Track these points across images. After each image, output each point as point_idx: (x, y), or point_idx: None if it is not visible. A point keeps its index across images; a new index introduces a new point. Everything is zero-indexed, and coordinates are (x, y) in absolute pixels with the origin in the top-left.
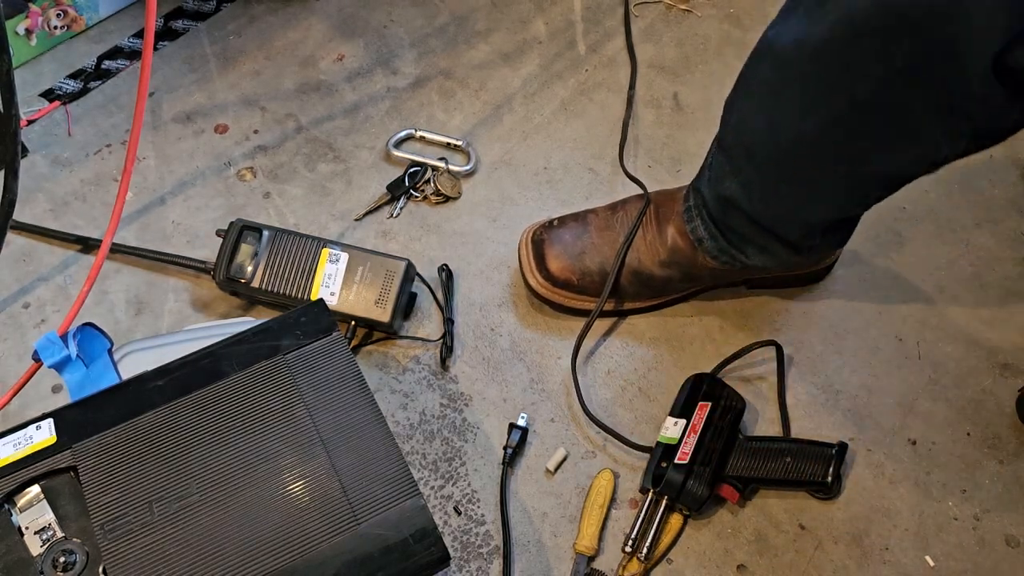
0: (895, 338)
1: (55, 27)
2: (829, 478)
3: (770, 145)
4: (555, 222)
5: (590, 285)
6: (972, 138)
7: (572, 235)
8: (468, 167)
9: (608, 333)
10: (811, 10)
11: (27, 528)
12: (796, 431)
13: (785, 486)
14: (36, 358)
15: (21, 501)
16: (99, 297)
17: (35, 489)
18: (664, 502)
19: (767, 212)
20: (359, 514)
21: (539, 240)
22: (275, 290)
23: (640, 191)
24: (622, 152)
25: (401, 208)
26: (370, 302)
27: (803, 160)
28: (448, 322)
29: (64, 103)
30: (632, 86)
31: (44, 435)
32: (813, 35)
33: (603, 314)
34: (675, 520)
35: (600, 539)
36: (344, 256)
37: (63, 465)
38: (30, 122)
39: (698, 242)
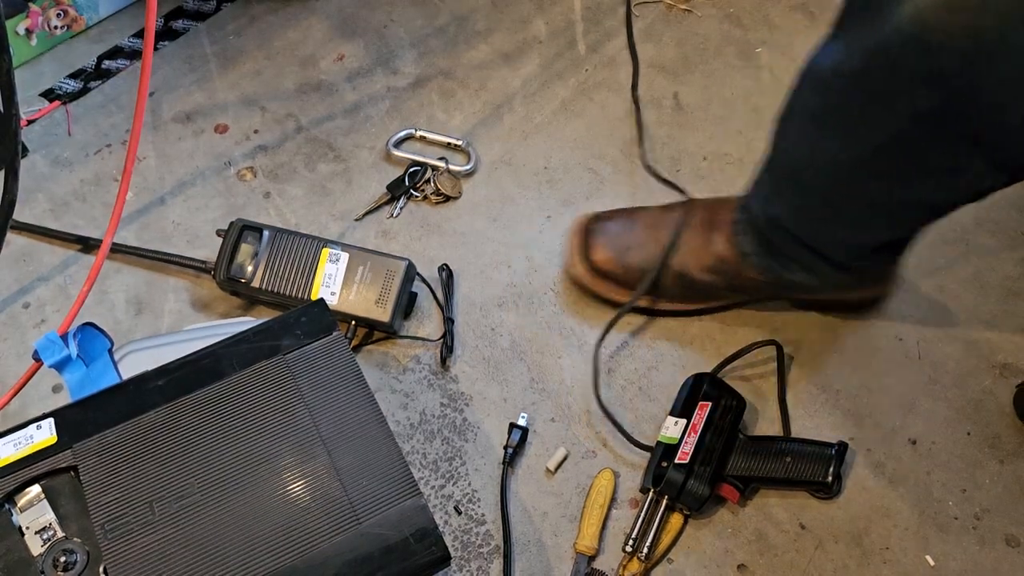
0: (895, 338)
1: (55, 27)
2: (829, 478)
3: (813, 170)
4: (606, 216)
5: (632, 280)
6: (1017, 170)
7: (620, 229)
8: (468, 167)
9: (608, 333)
10: (850, 37)
11: (27, 528)
12: (796, 431)
13: (785, 486)
14: (36, 358)
15: (21, 501)
16: (99, 297)
17: (35, 489)
18: (664, 502)
19: (813, 234)
20: (359, 514)
21: (587, 230)
22: (275, 290)
23: (681, 196)
24: (643, 151)
25: (401, 208)
26: (370, 302)
27: (844, 186)
28: (448, 322)
29: (64, 103)
30: (635, 87)
31: (44, 435)
32: (849, 62)
33: (636, 310)
34: (675, 520)
35: (600, 539)
36: (344, 256)
37: (63, 465)
38: (30, 122)
39: (743, 256)
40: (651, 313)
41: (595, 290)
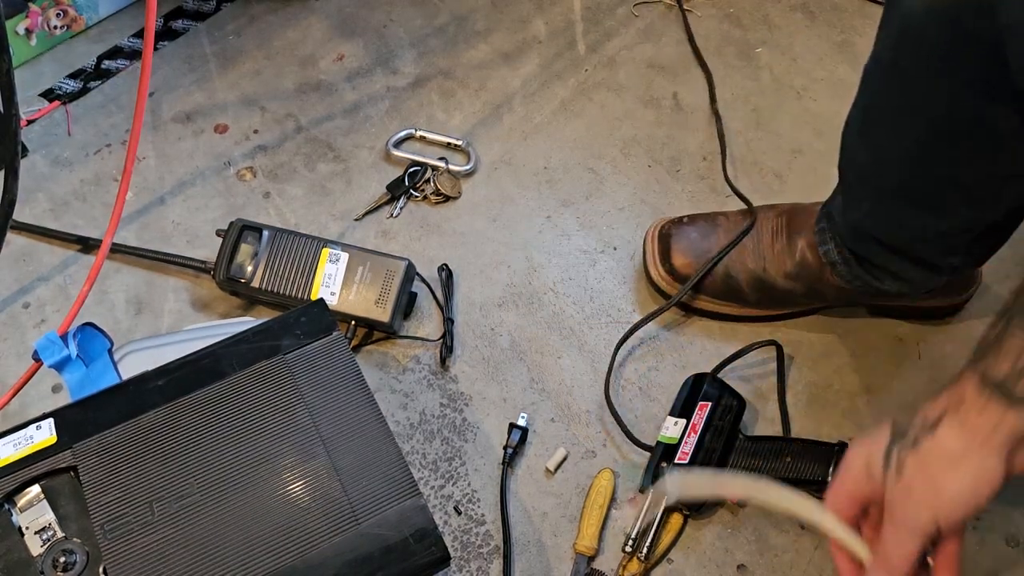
0: (895, 338)
1: (55, 27)
2: (829, 478)
3: (879, 168)
4: (685, 219)
5: (711, 286)
6: None
7: (700, 234)
8: (468, 167)
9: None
10: (881, 32)
11: (27, 528)
12: (796, 431)
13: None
14: (36, 358)
15: (21, 501)
16: (99, 297)
17: (35, 489)
18: (664, 502)
19: (900, 235)
20: (359, 514)
21: (666, 234)
22: (275, 290)
23: (745, 206)
24: (724, 166)
25: (401, 208)
26: (370, 302)
27: (915, 178)
28: (448, 322)
29: (64, 103)
30: (713, 99)
31: (44, 435)
32: (884, 54)
33: (704, 313)
34: (675, 520)
35: (600, 539)
36: (344, 256)
37: (63, 465)
38: (30, 122)
39: (831, 265)
40: (720, 317)
41: (673, 295)
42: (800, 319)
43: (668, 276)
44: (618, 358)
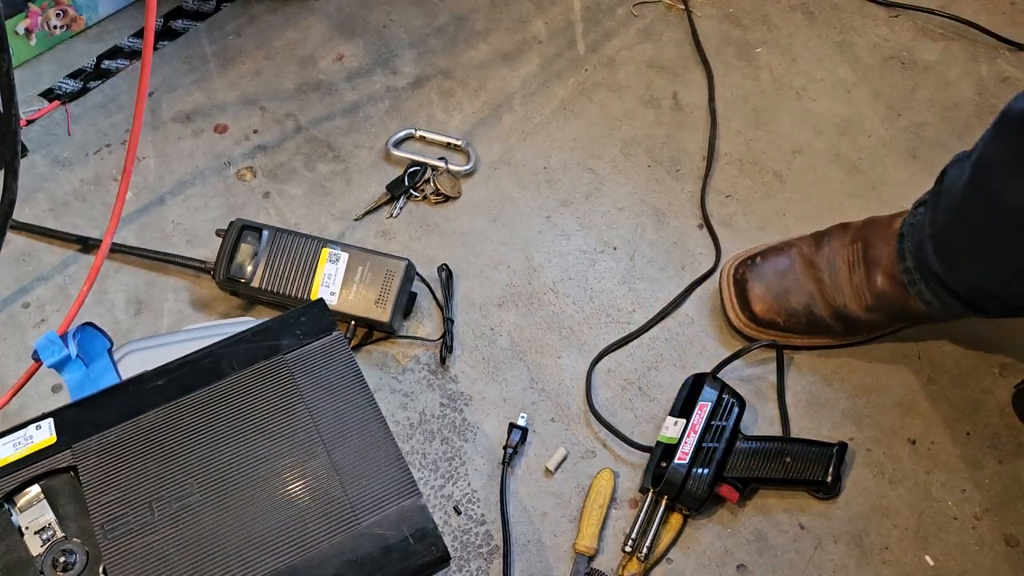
0: (895, 338)
1: (55, 27)
2: (829, 478)
3: (996, 216)
4: (757, 258)
5: (796, 325)
6: None
7: (775, 272)
8: (468, 167)
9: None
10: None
11: (27, 528)
12: (796, 431)
13: (785, 486)
14: (36, 358)
15: (21, 501)
16: (99, 297)
17: (35, 489)
18: (664, 502)
19: (976, 285)
20: (359, 514)
21: (741, 279)
22: (275, 290)
23: (843, 221)
24: (704, 189)
25: (401, 208)
26: (370, 302)
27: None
28: (448, 322)
29: (64, 103)
30: (712, 99)
31: (44, 435)
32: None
33: (795, 347)
34: (675, 520)
35: (600, 539)
36: (344, 256)
37: (63, 465)
38: (30, 122)
39: (926, 304)
40: (812, 348)
41: (759, 339)
42: None
43: (751, 323)
44: (618, 357)
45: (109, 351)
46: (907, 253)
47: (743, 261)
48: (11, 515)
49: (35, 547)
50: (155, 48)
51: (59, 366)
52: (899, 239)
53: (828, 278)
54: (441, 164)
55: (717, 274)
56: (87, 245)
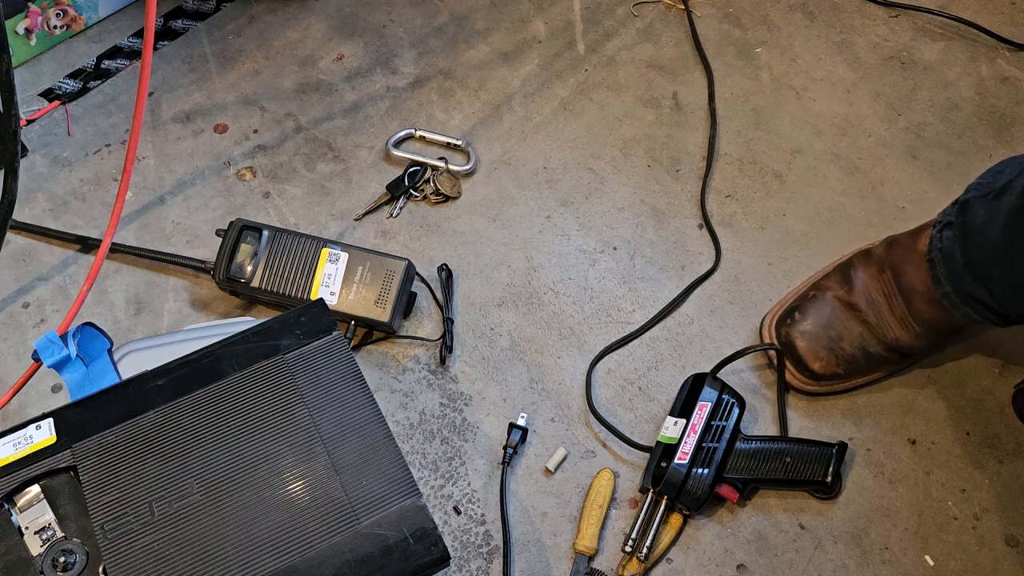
0: None
1: (55, 27)
2: (829, 478)
3: None
4: (795, 314)
5: (857, 370)
6: None
7: (818, 323)
8: (468, 167)
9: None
10: None
11: (27, 528)
12: (796, 431)
13: (785, 486)
14: (36, 358)
15: (21, 501)
16: (99, 297)
17: (35, 489)
18: (664, 502)
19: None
20: (359, 514)
21: (788, 341)
22: (275, 290)
23: (863, 248)
24: (705, 190)
25: (401, 208)
26: (370, 302)
27: None
28: (448, 322)
29: (64, 103)
30: (712, 99)
31: (44, 435)
32: None
33: (858, 388)
34: (675, 520)
35: (600, 539)
36: (344, 256)
37: (63, 465)
38: (30, 122)
39: (970, 322)
40: (873, 383)
41: (827, 392)
42: None
43: (813, 382)
44: (618, 357)
45: (109, 351)
46: (943, 279)
47: (780, 319)
48: (11, 515)
49: (35, 547)
50: (155, 48)
51: (59, 366)
52: (930, 265)
53: (872, 317)
54: (441, 164)
55: (758, 337)
56: (87, 245)
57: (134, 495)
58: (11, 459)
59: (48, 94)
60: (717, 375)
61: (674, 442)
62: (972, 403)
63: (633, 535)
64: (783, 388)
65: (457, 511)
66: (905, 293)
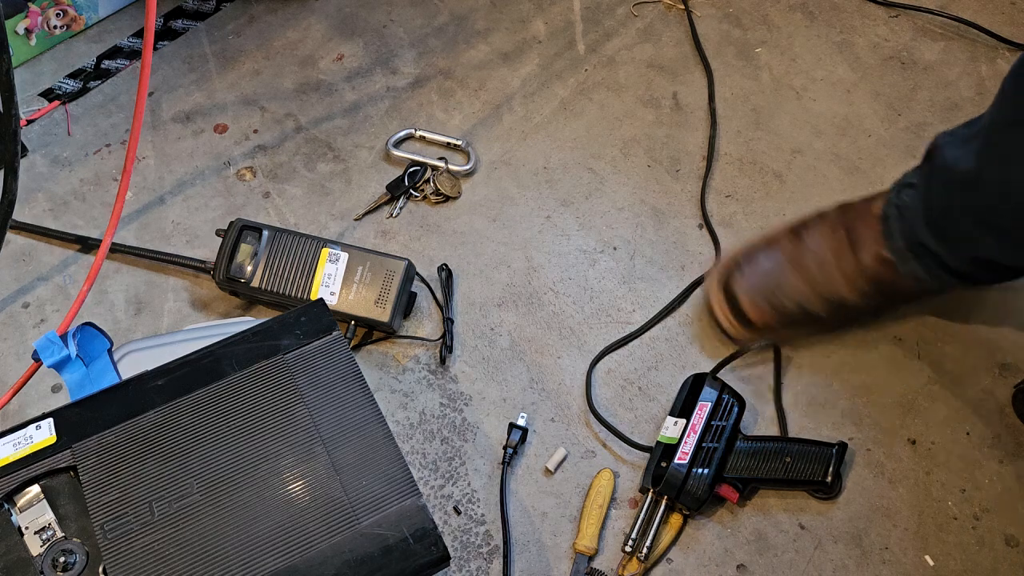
0: (895, 338)
1: (55, 27)
2: (829, 478)
3: None
4: (743, 265)
5: (791, 324)
6: None
7: (761, 271)
8: (468, 167)
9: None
10: None
11: (27, 528)
12: (796, 431)
13: (785, 486)
14: (36, 358)
15: (21, 501)
16: (99, 297)
17: (35, 489)
18: (664, 502)
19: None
20: (359, 513)
21: (728, 285)
22: (275, 290)
23: (823, 208)
24: (705, 188)
25: (401, 208)
26: (370, 302)
27: None
28: (448, 322)
29: (64, 103)
30: (712, 99)
31: (44, 435)
32: None
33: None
34: (675, 520)
35: (600, 539)
36: (344, 256)
37: (63, 465)
38: (30, 122)
39: (917, 281)
40: (805, 343)
41: (758, 342)
42: None
43: (748, 331)
44: (618, 357)
45: (109, 351)
46: (896, 234)
47: (727, 265)
48: (11, 515)
49: (35, 547)
50: (155, 48)
51: (59, 366)
52: (883, 221)
53: (818, 273)
54: (441, 164)
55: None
56: (87, 245)
57: (134, 495)
58: (11, 459)
59: (48, 94)
60: (717, 375)
61: (674, 442)
62: (972, 403)
63: (633, 535)
64: (779, 388)
65: (457, 511)
66: (856, 249)
